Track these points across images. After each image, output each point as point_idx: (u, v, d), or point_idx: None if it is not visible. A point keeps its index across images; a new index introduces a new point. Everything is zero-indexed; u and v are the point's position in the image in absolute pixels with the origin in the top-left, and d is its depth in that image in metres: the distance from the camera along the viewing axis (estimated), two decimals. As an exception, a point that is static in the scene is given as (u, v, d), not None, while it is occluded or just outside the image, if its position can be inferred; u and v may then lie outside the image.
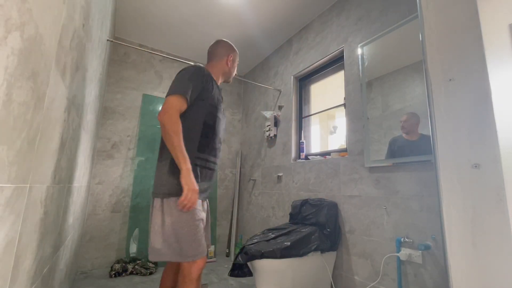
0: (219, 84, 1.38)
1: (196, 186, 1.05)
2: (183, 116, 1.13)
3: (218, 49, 1.38)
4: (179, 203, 1.04)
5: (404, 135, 1.49)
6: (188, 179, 1.04)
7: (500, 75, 0.75)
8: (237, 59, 1.45)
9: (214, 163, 1.26)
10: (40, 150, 0.64)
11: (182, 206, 1.04)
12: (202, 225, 1.14)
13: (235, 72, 1.45)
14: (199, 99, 1.18)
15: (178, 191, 1.07)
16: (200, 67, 1.22)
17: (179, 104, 1.09)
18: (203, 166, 1.19)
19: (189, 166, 1.06)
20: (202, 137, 1.19)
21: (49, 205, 0.82)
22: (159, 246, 1.06)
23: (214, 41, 1.43)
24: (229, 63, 1.38)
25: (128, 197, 2.64)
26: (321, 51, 2.28)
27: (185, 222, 1.07)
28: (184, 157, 1.05)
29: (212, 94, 1.23)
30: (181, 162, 1.04)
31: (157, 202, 1.10)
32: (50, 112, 0.68)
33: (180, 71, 1.20)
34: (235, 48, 1.43)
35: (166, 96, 1.11)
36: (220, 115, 1.28)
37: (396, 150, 1.52)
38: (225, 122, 1.38)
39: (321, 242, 1.64)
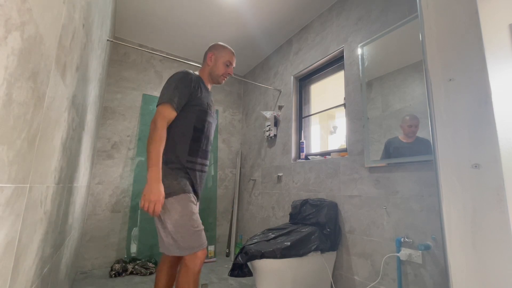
0: (209, 87, 1.40)
1: (154, 196, 1.04)
2: (174, 122, 1.19)
3: (206, 52, 1.41)
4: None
5: (402, 137, 1.50)
6: (148, 187, 1.04)
7: (500, 75, 0.75)
8: (222, 56, 1.36)
9: (205, 165, 1.31)
10: (40, 150, 0.64)
11: (146, 210, 1.05)
12: (198, 218, 1.18)
13: (221, 71, 1.36)
14: (189, 104, 1.22)
15: (170, 192, 1.12)
16: (187, 72, 1.24)
17: (166, 113, 1.13)
18: (193, 169, 1.23)
19: (156, 175, 1.05)
20: (192, 141, 1.24)
21: (49, 205, 0.82)
22: (170, 241, 1.11)
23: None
24: (210, 63, 1.37)
25: (128, 197, 2.64)
26: (321, 51, 2.28)
27: (183, 217, 1.12)
28: (153, 165, 1.06)
29: (200, 99, 1.26)
30: (148, 170, 1.06)
31: None
32: (50, 112, 0.68)
33: (169, 79, 1.23)
34: (219, 46, 1.39)
35: (157, 106, 1.15)
36: (210, 119, 1.31)
37: (392, 151, 1.53)
38: (216, 124, 1.42)
39: (321, 242, 1.64)
